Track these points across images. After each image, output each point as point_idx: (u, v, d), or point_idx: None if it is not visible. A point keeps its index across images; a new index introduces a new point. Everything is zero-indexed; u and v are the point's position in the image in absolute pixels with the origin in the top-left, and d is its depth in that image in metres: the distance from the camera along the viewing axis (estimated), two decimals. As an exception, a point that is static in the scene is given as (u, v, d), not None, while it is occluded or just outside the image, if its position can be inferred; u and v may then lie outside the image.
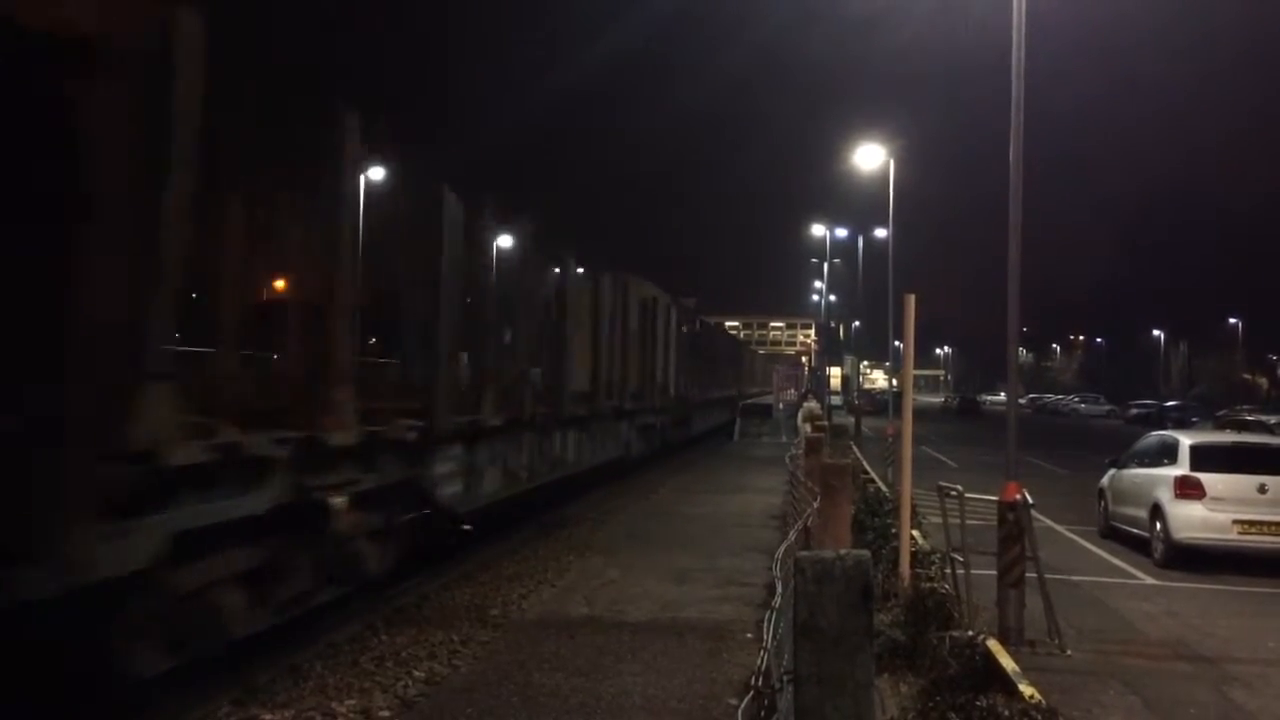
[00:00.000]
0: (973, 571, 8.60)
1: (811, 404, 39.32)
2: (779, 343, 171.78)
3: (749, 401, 43.39)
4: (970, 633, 7.25)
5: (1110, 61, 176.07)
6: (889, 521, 10.88)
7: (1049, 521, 14.96)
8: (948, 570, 9.12)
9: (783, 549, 5.52)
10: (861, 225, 42.64)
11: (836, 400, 57.66)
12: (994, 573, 8.59)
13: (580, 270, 15.52)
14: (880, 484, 16.66)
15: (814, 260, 58.38)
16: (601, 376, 15.91)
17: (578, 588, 9.82)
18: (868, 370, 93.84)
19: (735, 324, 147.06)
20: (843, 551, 2.83)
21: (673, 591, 9.67)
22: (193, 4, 5.55)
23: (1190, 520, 12.20)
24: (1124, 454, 14.91)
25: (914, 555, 9.48)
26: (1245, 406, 54.23)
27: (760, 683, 3.78)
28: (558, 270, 14.45)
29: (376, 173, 10.07)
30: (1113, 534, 14.36)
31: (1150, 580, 11.74)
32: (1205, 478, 12.37)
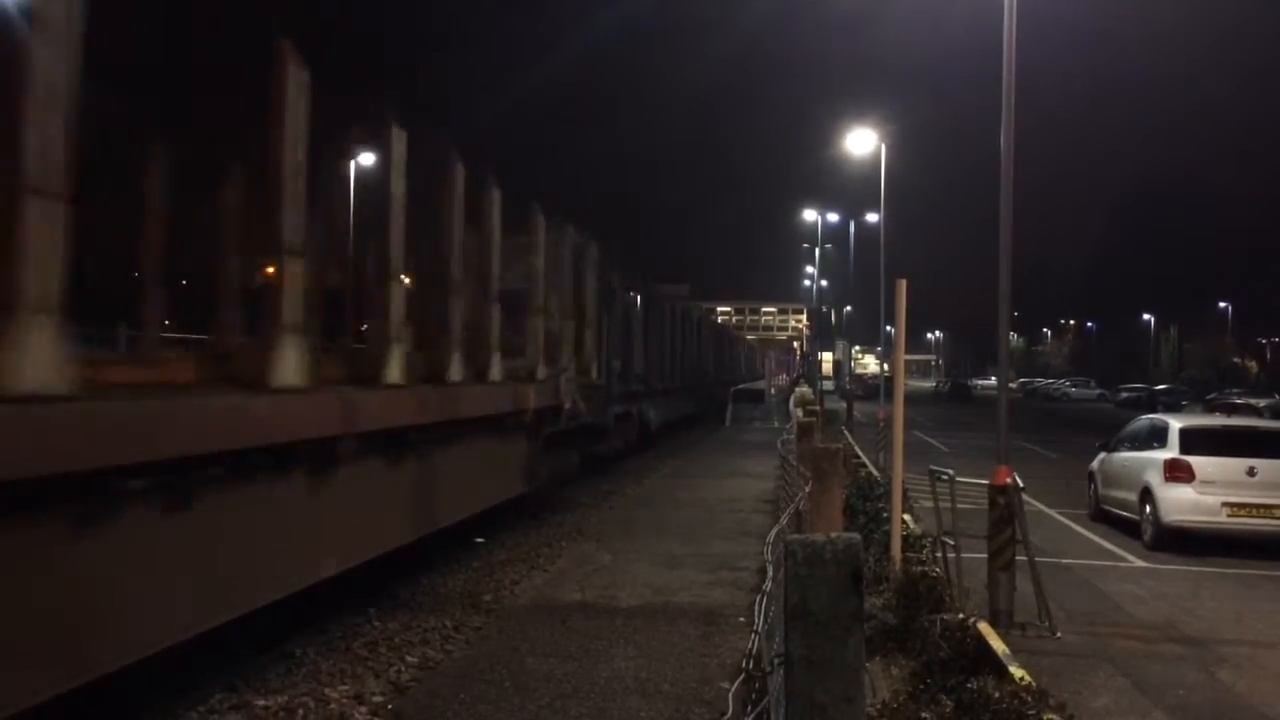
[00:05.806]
0: (964, 555, 8.65)
1: (803, 389, 39.41)
2: (771, 328, 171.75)
3: (741, 387, 43.54)
4: (961, 616, 7.29)
5: (1102, 45, 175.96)
6: (880, 505, 10.93)
7: (1040, 505, 15.02)
8: (939, 554, 9.17)
9: (774, 533, 5.53)
10: (853, 210, 42.67)
11: (828, 385, 57.69)
12: (985, 556, 8.62)
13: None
14: (872, 468, 16.70)
15: (805, 245, 58.38)
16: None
17: (570, 573, 9.83)
18: (859, 355, 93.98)
19: (727, 309, 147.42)
20: (833, 535, 2.83)
21: (665, 576, 9.69)
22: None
23: (1180, 503, 12.25)
24: (1114, 438, 14.95)
25: (905, 539, 9.52)
26: (1235, 390, 54.59)
27: (751, 666, 3.80)
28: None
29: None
30: (1103, 517, 14.42)
31: (1140, 563, 11.79)
32: (1195, 461, 12.41)
